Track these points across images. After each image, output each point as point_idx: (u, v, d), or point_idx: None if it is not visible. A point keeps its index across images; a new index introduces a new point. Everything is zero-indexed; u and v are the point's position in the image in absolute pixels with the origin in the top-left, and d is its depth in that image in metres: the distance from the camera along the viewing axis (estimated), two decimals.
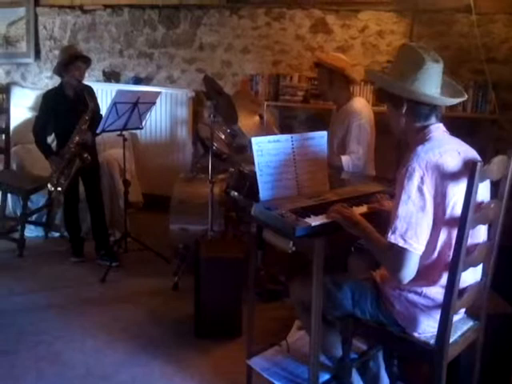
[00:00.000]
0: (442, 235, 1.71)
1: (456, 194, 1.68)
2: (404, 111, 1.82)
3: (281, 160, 2.12)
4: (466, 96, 1.94)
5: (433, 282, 1.74)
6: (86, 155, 3.60)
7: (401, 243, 1.66)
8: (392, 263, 1.70)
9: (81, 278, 3.61)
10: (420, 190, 1.66)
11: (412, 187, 1.67)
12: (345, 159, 3.02)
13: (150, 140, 5.00)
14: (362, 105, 3.13)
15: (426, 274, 1.73)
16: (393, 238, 1.67)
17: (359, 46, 4.39)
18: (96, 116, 3.71)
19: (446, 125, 1.87)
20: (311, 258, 1.84)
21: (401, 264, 1.66)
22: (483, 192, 1.76)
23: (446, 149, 1.74)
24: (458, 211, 1.66)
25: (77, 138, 3.60)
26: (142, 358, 2.67)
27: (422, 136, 1.81)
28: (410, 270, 1.67)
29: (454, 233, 1.67)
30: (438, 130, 1.82)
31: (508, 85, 3.92)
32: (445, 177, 1.67)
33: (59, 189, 3.64)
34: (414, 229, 1.66)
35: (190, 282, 3.07)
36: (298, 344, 2.43)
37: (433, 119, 1.83)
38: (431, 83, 1.80)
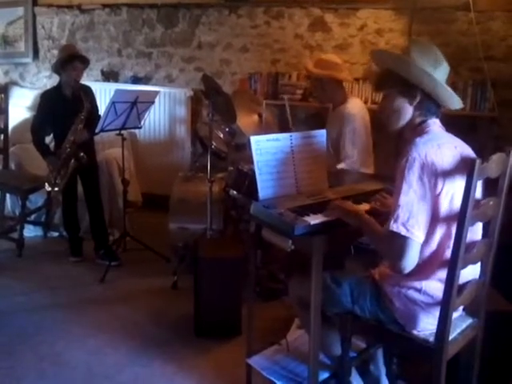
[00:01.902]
0: (440, 229, 1.71)
1: (453, 187, 1.69)
2: (415, 103, 1.80)
3: (280, 159, 2.11)
4: (463, 105, 1.94)
5: (431, 275, 1.74)
6: (81, 154, 3.59)
7: (403, 232, 1.65)
8: (393, 252, 1.70)
9: (80, 277, 3.61)
10: (421, 178, 1.67)
11: (413, 176, 1.67)
12: (341, 167, 3.02)
13: (149, 139, 5.00)
14: (356, 107, 3.13)
15: (425, 268, 1.73)
16: (395, 226, 1.66)
17: (358, 44, 4.38)
18: (94, 116, 3.71)
19: (445, 122, 1.87)
20: (310, 256, 1.84)
21: (402, 253, 1.66)
22: (478, 189, 1.77)
23: (443, 142, 1.75)
24: (456, 205, 1.67)
25: (72, 138, 3.60)
26: (142, 357, 2.67)
27: (419, 129, 1.81)
28: (411, 258, 1.67)
29: (453, 227, 1.67)
30: (435, 124, 1.83)
31: (507, 82, 3.91)
32: (442, 168, 1.68)
33: (56, 189, 3.65)
34: (416, 217, 1.66)
35: (189, 281, 3.07)
36: (298, 343, 2.43)
37: (434, 116, 1.84)
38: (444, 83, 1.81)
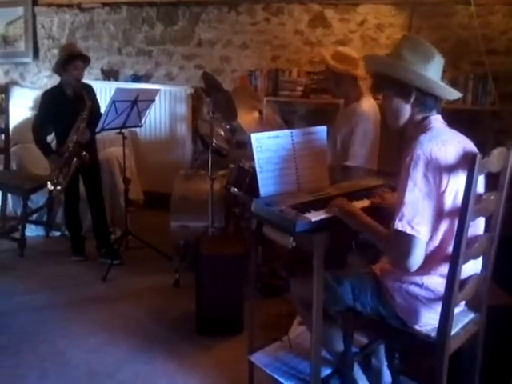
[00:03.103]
0: (444, 224, 1.71)
1: (457, 183, 1.68)
2: (412, 101, 1.80)
3: (280, 156, 2.11)
4: (461, 94, 1.93)
5: (433, 270, 1.73)
6: (84, 153, 3.60)
7: (408, 230, 1.65)
8: (399, 251, 1.69)
9: (82, 276, 3.61)
10: (425, 176, 1.66)
11: (418, 174, 1.66)
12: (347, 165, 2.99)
13: (150, 137, 5.00)
14: (370, 107, 3.05)
15: (427, 263, 1.72)
16: (400, 225, 1.66)
17: (358, 39, 4.37)
18: (96, 115, 3.70)
19: (446, 117, 1.87)
20: (311, 253, 1.84)
21: (409, 251, 1.65)
22: (480, 184, 1.76)
23: (447, 138, 1.74)
24: (460, 201, 1.65)
25: (75, 137, 3.60)
26: (144, 355, 2.67)
27: (422, 126, 1.80)
28: (417, 256, 1.66)
29: (456, 223, 1.66)
30: (436, 120, 1.82)
31: (508, 76, 3.90)
32: (447, 165, 1.67)
33: (59, 187, 3.65)
34: (421, 215, 1.65)
35: (191, 279, 3.06)
36: (300, 339, 2.43)
37: (434, 111, 1.83)
38: (437, 77, 1.81)
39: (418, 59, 1.78)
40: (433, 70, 1.79)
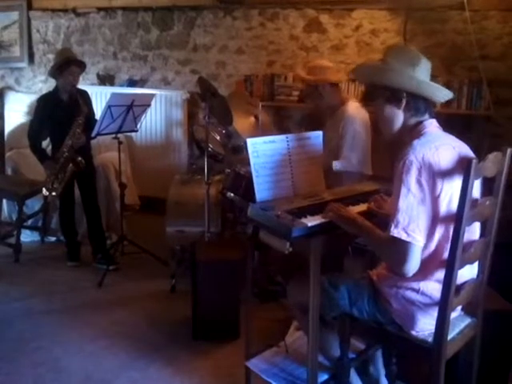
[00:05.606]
0: (439, 230, 1.71)
1: (451, 187, 1.68)
2: (403, 106, 1.81)
3: (276, 161, 2.11)
4: (452, 93, 1.94)
5: (429, 275, 1.74)
6: (79, 159, 3.59)
7: (404, 237, 1.65)
8: (396, 257, 1.70)
9: (78, 282, 3.60)
10: (419, 182, 1.66)
11: (411, 180, 1.67)
12: (335, 165, 2.99)
13: (146, 142, 5.00)
14: (356, 109, 3.08)
15: (423, 269, 1.72)
16: (396, 231, 1.66)
17: (353, 44, 4.38)
18: (91, 121, 3.70)
19: (440, 122, 1.87)
20: (308, 258, 1.84)
21: (405, 258, 1.66)
22: (476, 189, 1.77)
23: (441, 143, 1.75)
24: (455, 206, 1.66)
25: (70, 143, 3.60)
26: (140, 361, 2.66)
27: (416, 131, 1.81)
28: (413, 262, 1.67)
29: (451, 228, 1.66)
30: (431, 125, 1.83)
31: (502, 81, 3.92)
32: (441, 170, 1.68)
33: (54, 193, 3.64)
34: (416, 221, 1.66)
35: (187, 284, 3.06)
36: (297, 345, 2.42)
37: (427, 115, 1.84)
38: (426, 79, 1.83)
39: (406, 65, 1.80)
40: (421, 74, 1.81)
